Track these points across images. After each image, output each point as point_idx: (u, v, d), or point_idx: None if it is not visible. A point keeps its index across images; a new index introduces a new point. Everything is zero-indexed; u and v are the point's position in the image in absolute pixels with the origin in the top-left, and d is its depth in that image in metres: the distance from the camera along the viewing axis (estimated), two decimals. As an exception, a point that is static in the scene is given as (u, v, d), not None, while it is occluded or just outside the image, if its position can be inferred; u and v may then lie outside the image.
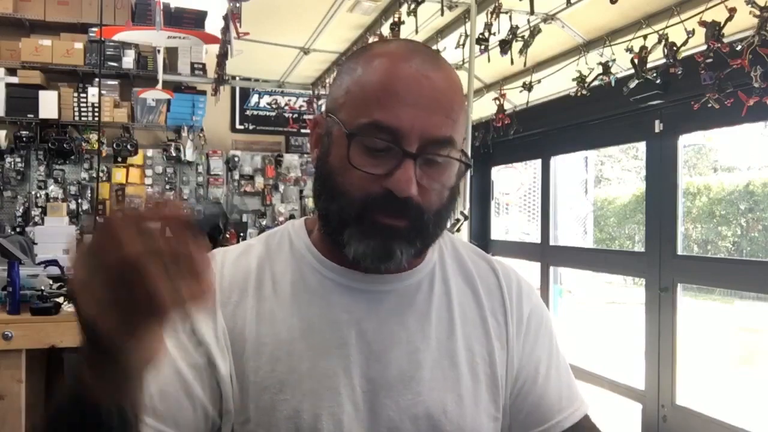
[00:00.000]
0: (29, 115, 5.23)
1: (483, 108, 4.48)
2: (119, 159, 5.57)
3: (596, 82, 3.25)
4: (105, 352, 0.52)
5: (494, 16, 3.02)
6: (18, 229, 5.11)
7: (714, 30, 2.43)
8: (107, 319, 0.50)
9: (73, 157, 5.46)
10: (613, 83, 3.14)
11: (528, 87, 3.67)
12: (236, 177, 6.03)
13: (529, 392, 0.86)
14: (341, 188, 0.76)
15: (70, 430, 0.58)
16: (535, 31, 3.23)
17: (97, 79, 5.17)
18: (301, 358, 0.77)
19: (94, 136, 5.37)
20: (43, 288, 2.28)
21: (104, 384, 0.55)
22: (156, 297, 0.49)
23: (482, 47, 3.08)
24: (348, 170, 0.75)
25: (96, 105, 5.25)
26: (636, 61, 2.88)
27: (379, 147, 0.73)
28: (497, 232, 5.91)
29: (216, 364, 0.76)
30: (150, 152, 5.73)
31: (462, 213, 2.60)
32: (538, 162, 4.92)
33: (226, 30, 3.64)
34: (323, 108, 0.83)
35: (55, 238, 3.72)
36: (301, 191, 6.18)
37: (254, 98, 6.17)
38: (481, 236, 5.47)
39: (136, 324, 0.51)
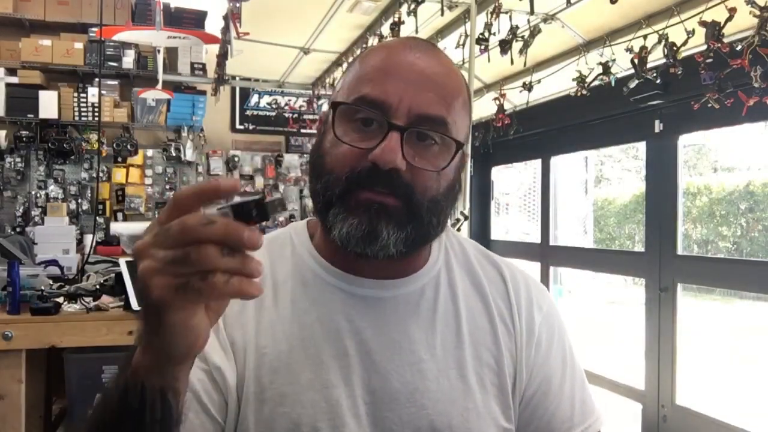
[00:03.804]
0: (29, 115, 5.23)
1: (483, 108, 4.47)
2: (119, 159, 5.57)
3: (596, 82, 3.25)
4: (155, 321, 0.52)
5: (494, 16, 3.02)
6: (18, 229, 5.11)
7: (714, 30, 2.43)
8: (159, 285, 0.49)
9: (73, 157, 5.46)
10: (613, 83, 3.14)
11: (528, 87, 3.67)
12: (236, 177, 6.02)
13: (539, 406, 0.82)
14: (328, 166, 0.74)
15: (116, 410, 0.58)
16: (535, 31, 3.24)
17: (97, 79, 5.18)
18: (301, 369, 0.75)
19: (94, 136, 5.37)
20: (43, 288, 2.28)
21: (151, 360, 0.55)
22: (206, 276, 0.48)
23: (482, 47, 3.08)
24: (336, 148, 0.73)
25: (96, 105, 5.25)
26: (636, 61, 2.88)
27: (365, 118, 0.72)
28: (497, 232, 5.91)
29: (224, 375, 0.74)
30: (150, 152, 5.73)
31: (462, 213, 2.60)
32: (538, 162, 4.92)
33: (226, 30, 3.64)
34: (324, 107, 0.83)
35: (55, 238, 3.71)
36: (301, 191, 6.18)
37: (254, 98, 6.17)
38: (481, 236, 5.47)
39: (184, 297, 0.50)
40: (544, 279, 4.70)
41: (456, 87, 0.76)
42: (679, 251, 3.52)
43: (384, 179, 0.70)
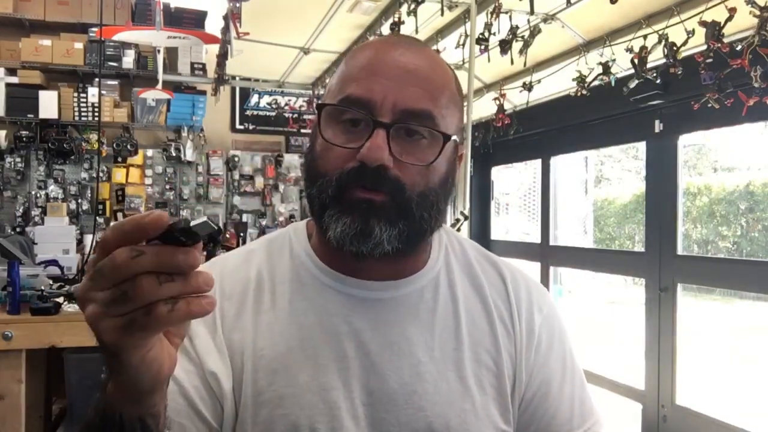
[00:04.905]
0: (29, 115, 5.23)
1: (483, 108, 4.48)
2: (119, 159, 5.57)
3: (596, 82, 3.25)
4: (114, 362, 0.52)
5: (494, 16, 3.02)
6: (18, 229, 5.11)
7: (714, 30, 2.43)
8: (107, 329, 0.48)
9: (73, 157, 5.46)
10: (613, 83, 3.14)
11: (528, 87, 3.67)
12: (236, 177, 6.03)
13: (538, 408, 0.82)
14: (321, 170, 0.74)
15: None
16: (535, 31, 3.24)
17: (97, 79, 5.18)
18: (299, 370, 0.75)
19: (94, 136, 5.37)
20: (43, 288, 2.28)
21: (122, 394, 0.55)
22: (150, 310, 0.47)
23: (482, 47, 3.08)
24: (326, 150, 0.74)
25: (96, 105, 5.25)
26: (636, 61, 2.88)
27: (352, 119, 0.73)
28: (497, 232, 5.91)
29: (219, 380, 0.74)
30: (150, 152, 5.73)
31: (462, 213, 2.60)
32: (538, 162, 4.92)
33: (226, 30, 3.64)
34: None
35: (55, 238, 3.72)
36: (301, 191, 6.17)
37: (254, 98, 6.17)
38: (481, 236, 5.47)
39: (132, 335, 0.49)
40: (544, 279, 4.70)
41: (442, 81, 0.76)
42: (679, 251, 3.52)
43: (372, 176, 0.71)
